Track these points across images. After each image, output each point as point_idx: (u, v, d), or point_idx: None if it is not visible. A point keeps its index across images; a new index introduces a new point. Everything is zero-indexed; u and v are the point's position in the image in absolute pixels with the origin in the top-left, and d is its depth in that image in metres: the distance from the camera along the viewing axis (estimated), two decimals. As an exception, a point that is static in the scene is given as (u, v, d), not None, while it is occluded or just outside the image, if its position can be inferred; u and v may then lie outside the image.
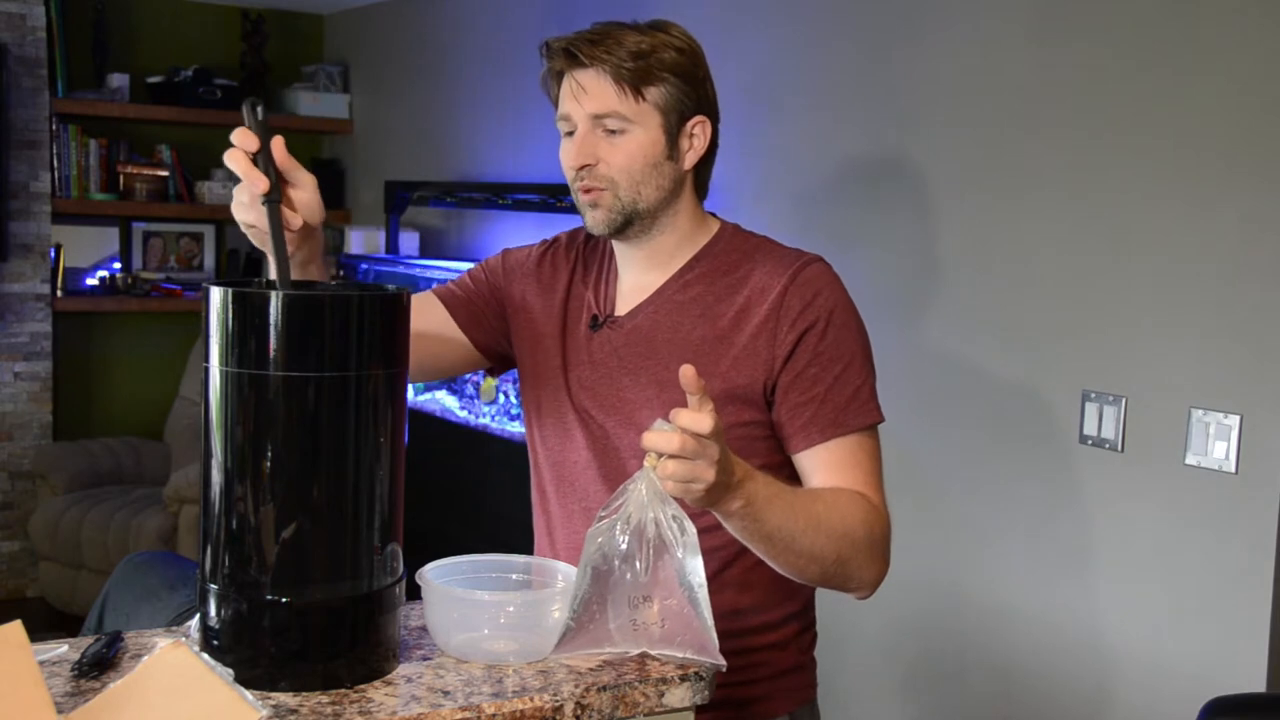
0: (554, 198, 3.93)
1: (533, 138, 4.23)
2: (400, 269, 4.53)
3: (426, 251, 4.85)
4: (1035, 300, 2.59)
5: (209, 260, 5.43)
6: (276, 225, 1.40)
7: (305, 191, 1.44)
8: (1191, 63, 2.32)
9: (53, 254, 4.89)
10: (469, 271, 1.85)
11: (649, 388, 1.63)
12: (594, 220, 1.64)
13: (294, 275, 1.47)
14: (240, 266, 5.41)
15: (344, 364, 1.31)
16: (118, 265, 5.22)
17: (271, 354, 1.28)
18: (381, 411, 1.34)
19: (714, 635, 1.35)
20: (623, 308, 1.70)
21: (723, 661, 1.35)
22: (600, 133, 1.61)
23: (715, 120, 1.67)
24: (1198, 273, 2.31)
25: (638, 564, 1.33)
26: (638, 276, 1.70)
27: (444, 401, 4.30)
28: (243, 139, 1.40)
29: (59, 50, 4.85)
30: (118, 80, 5.00)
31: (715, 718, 1.57)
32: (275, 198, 1.40)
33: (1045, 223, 2.57)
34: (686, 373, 1.32)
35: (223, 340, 1.30)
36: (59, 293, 4.93)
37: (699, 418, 1.30)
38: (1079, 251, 2.51)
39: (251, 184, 1.40)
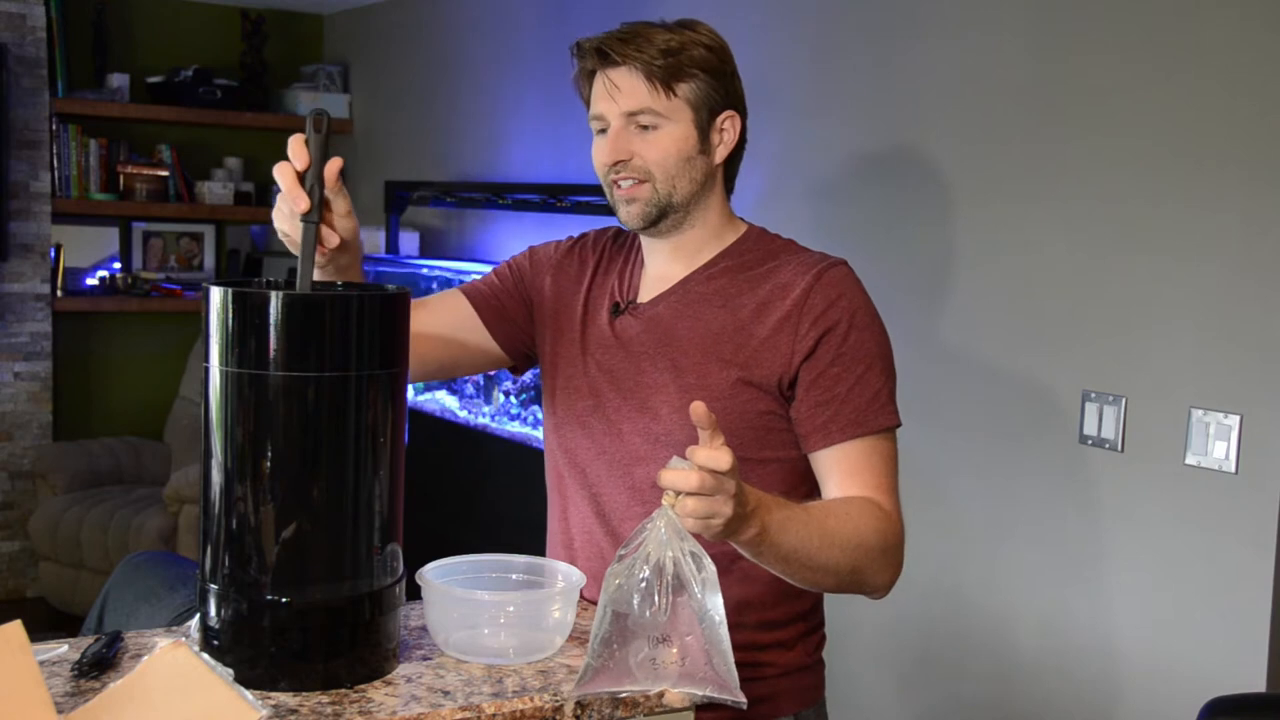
0: (554, 198, 3.92)
1: (533, 138, 4.23)
2: (400, 269, 4.53)
3: (426, 251, 4.86)
4: (1035, 300, 2.59)
5: (209, 260, 5.43)
6: (310, 245, 1.42)
7: (342, 215, 1.48)
8: (1192, 63, 2.32)
9: (53, 254, 4.89)
10: (496, 269, 1.87)
11: (665, 373, 1.65)
12: (629, 214, 1.66)
13: (334, 279, 1.54)
14: (240, 266, 5.41)
15: (344, 364, 1.31)
16: (118, 265, 5.22)
17: (271, 354, 1.28)
18: (381, 411, 1.34)
19: (734, 673, 1.35)
20: (645, 295, 1.72)
21: (743, 699, 1.35)
22: (634, 129, 1.63)
23: (744, 115, 1.70)
24: (1198, 273, 2.31)
25: (657, 602, 1.33)
26: (663, 268, 1.72)
27: (444, 401, 4.30)
28: (296, 153, 1.42)
29: (59, 50, 4.85)
30: (118, 80, 5.00)
31: (716, 717, 1.57)
32: (314, 219, 1.42)
33: (1045, 223, 2.57)
34: (697, 409, 1.33)
35: (223, 340, 1.30)
36: (59, 293, 4.93)
37: (716, 455, 1.31)
38: (1079, 252, 2.51)
39: (295, 200, 1.42)
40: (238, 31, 5.31)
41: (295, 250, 1.45)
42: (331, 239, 1.47)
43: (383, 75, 5.19)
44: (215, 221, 5.39)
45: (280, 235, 1.50)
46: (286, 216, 1.47)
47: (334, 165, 1.44)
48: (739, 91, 1.70)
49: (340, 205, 1.48)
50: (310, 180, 1.42)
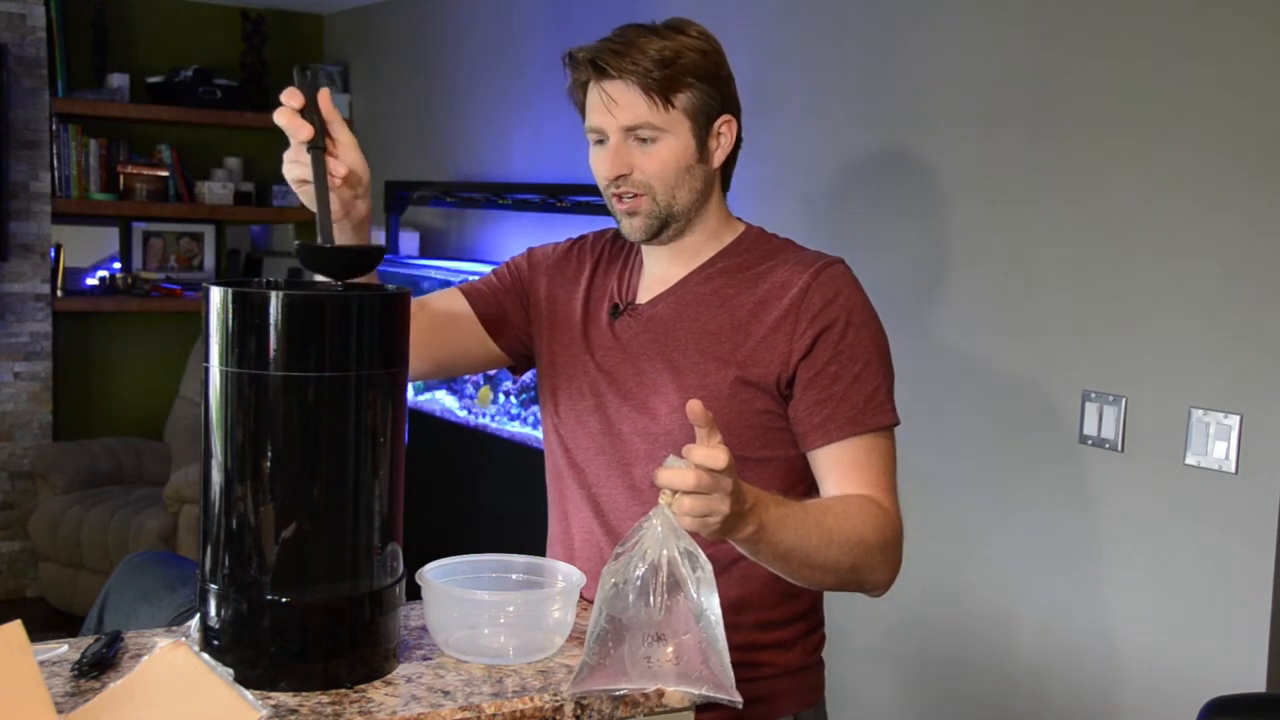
0: (554, 198, 3.92)
1: (533, 138, 4.23)
2: (400, 269, 4.53)
3: (426, 251, 4.86)
4: (1036, 300, 2.59)
5: (209, 260, 5.43)
6: (321, 172, 1.47)
7: (346, 146, 1.52)
8: (1192, 63, 2.32)
9: (53, 254, 4.89)
10: (495, 270, 1.87)
11: (664, 373, 1.65)
12: (631, 228, 1.67)
13: (347, 238, 1.57)
14: (240, 266, 5.41)
15: (344, 364, 1.31)
16: (118, 265, 5.22)
17: (271, 354, 1.28)
18: (381, 411, 1.34)
19: (730, 672, 1.35)
20: (644, 296, 1.73)
21: (739, 699, 1.35)
22: (632, 142, 1.63)
23: (739, 116, 1.70)
24: (1198, 273, 2.31)
25: (653, 601, 1.33)
26: (662, 269, 1.73)
27: (444, 401, 4.30)
28: (289, 96, 1.48)
29: (59, 50, 4.85)
30: (118, 80, 5.00)
31: (716, 717, 1.57)
32: (320, 144, 1.48)
33: (1046, 223, 2.57)
34: (694, 407, 1.33)
35: (223, 340, 1.30)
36: (59, 293, 4.93)
37: (713, 453, 1.31)
38: (1079, 251, 2.51)
39: (296, 131, 1.47)
40: (238, 31, 5.31)
41: (308, 200, 1.50)
42: (339, 168, 1.50)
43: (383, 75, 5.19)
44: (215, 221, 5.39)
45: (295, 187, 1.53)
46: (294, 161, 1.51)
47: (323, 93, 1.49)
48: (734, 94, 1.69)
49: (344, 137, 1.52)
50: (308, 115, 1.48)
